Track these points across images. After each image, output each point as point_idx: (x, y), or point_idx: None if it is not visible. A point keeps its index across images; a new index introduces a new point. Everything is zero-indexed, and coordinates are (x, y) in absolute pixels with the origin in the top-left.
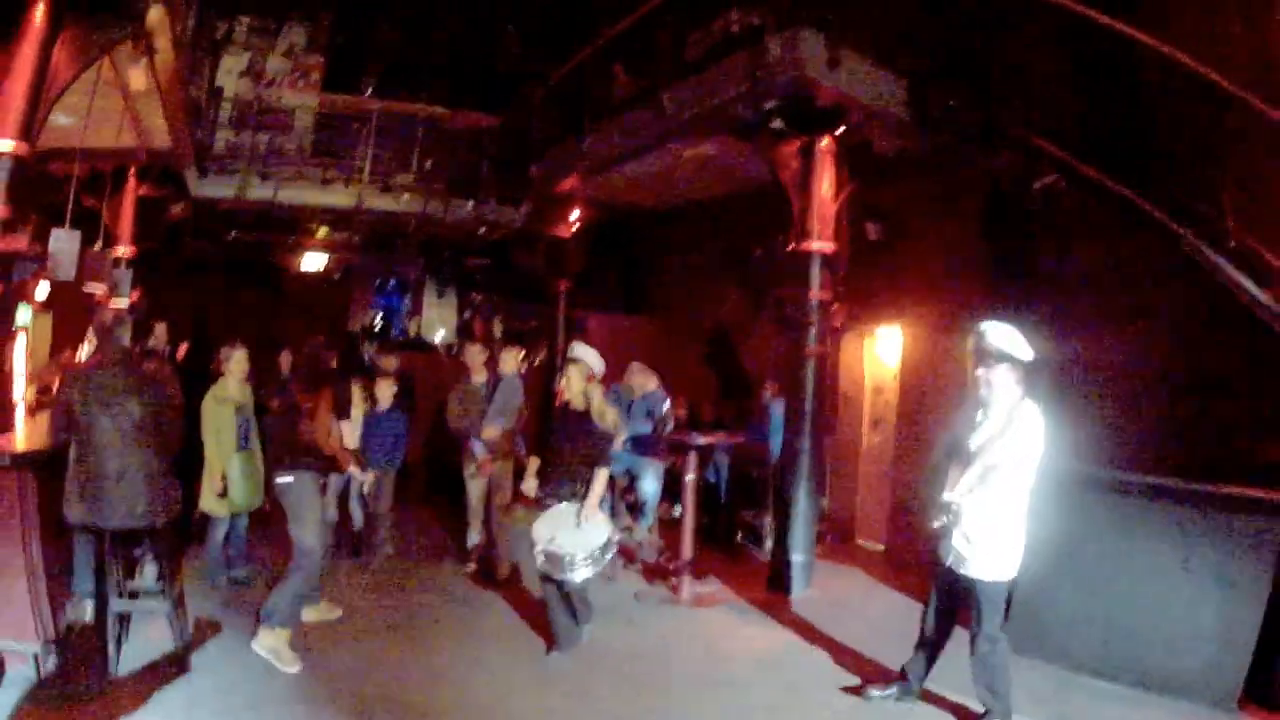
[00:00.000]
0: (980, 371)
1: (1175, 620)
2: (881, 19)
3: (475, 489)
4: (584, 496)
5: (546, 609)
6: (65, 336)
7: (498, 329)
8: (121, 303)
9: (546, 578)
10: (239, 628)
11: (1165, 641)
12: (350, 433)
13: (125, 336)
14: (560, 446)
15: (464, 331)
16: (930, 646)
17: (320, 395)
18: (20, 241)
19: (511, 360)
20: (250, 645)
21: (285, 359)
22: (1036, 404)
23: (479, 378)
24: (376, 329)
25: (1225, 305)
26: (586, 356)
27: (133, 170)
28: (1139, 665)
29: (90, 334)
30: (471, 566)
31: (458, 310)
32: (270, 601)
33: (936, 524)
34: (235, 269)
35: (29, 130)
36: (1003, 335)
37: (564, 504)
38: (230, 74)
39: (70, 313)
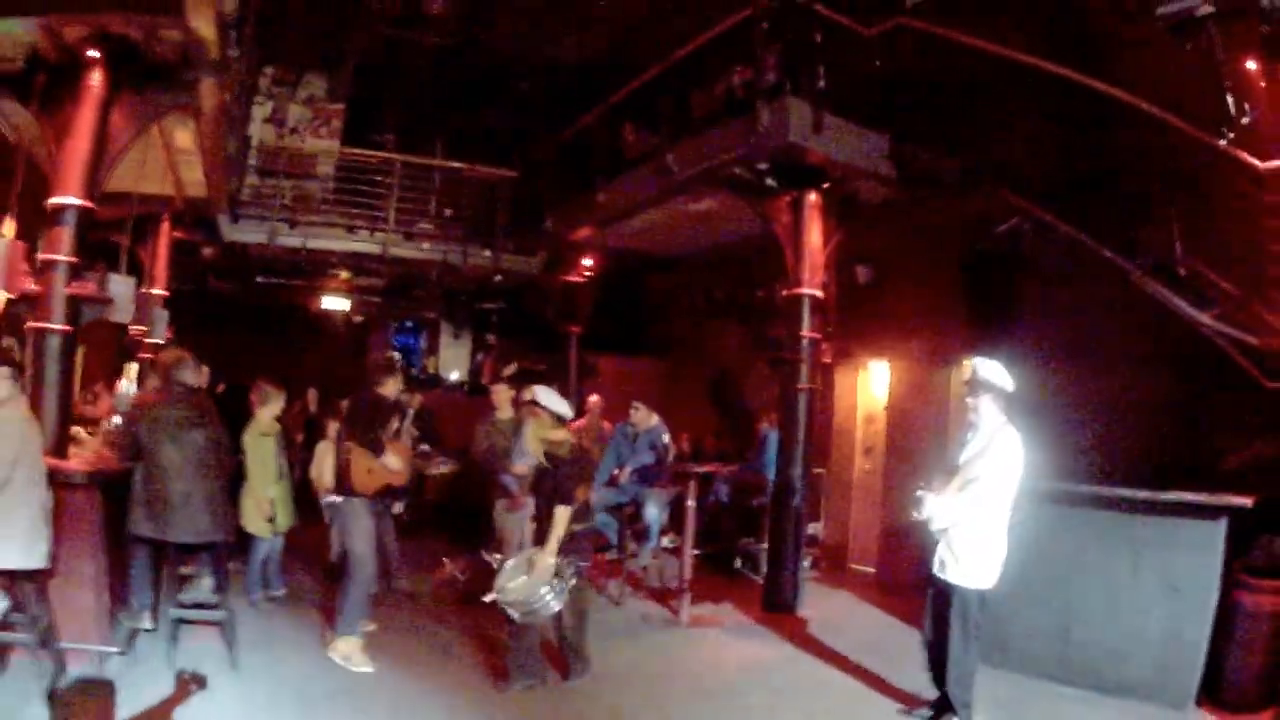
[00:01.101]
0: (969, 400)
1: (1129, 625)
2: (863, 84)
3: (508, 522)
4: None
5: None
6: (96, 369)
7: (510, 370)
8: (157, 341)
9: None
10: (278, 636)
11: (1120, 646)
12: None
13: (186, 374)
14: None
15: (478, 371)
16: (932, 650)
17: (355, 442)
18: (90, 286)
19: None
20: (293, 651)
21: (312, 396)
22: (1017, 429)
23: (504, 414)
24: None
25: (1174, 329)
26: (534, 394)
27: (166, 215)
28: (1097, 670)
29: (129, 368)
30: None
31: (472, 351)
32: (339, 614)
33: (916, 515)
34: (260, 309)
35: (92, 186)
36: (989, 369)
37: (522, 551)
38: (255, 121)
39: (99, 347)
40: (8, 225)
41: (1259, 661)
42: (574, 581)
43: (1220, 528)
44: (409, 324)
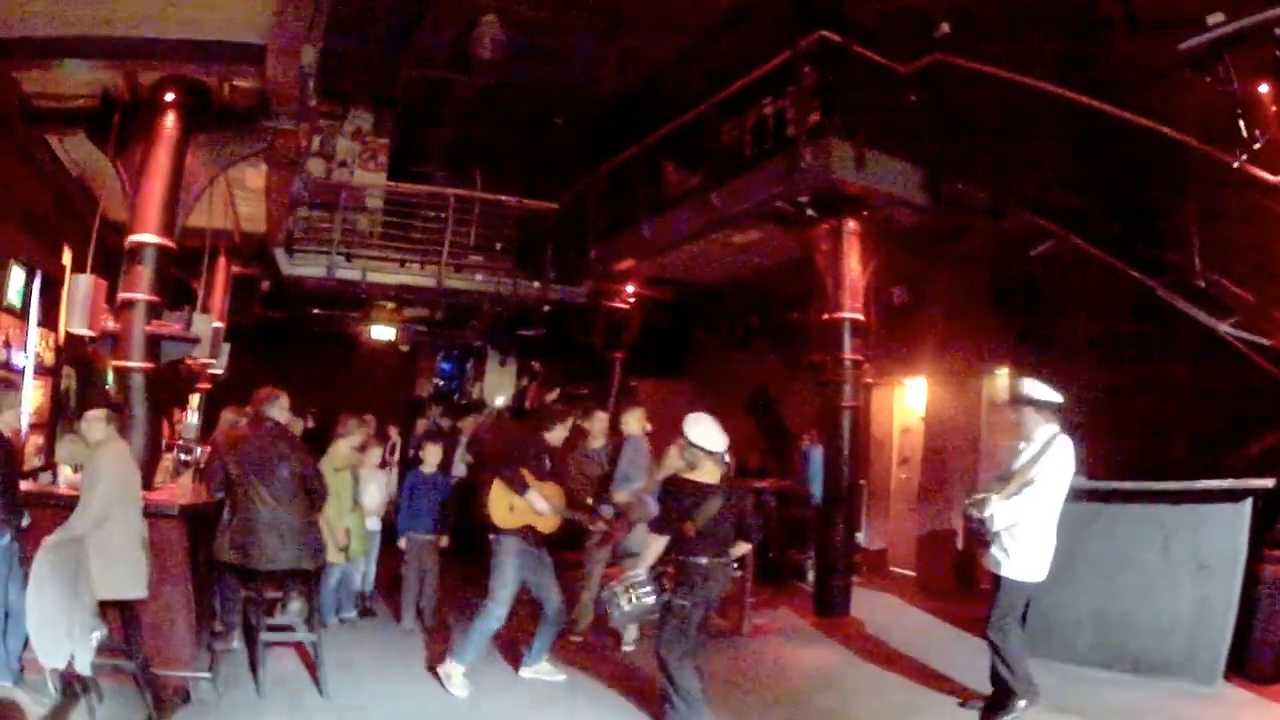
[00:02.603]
0: (1013, 415)
1: (1162, 607)
2: (898, 115)
3: (599, 556)
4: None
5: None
6: None
7: (553, 395)
8: (219, 372)
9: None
10: (356, 658)
11: (1152, 627)
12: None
13: (276, 410)
14: None
15: (523, 396)
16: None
17: (496, 475)
18: (174, 325)
19: (635, 422)
20: (373, 671)
21: (370, 423)
22: (1067, 438)
23: (597, 443)
24: (441, 394)
25: (1196, 337)
26: (685, 429)
27: (223, 249)
28: (1133, 652)
29: (192, 399)
30: (578, 637)
31: (517, 376)
32: (461, 640)
33: (973, 514)
34: (307, 339)
35: (171, 225)
36: (1033, 386)
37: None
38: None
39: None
40: (66, 255)
41: None
42: (649, 588)
43: (1245, 508)
44: (454, 351)
